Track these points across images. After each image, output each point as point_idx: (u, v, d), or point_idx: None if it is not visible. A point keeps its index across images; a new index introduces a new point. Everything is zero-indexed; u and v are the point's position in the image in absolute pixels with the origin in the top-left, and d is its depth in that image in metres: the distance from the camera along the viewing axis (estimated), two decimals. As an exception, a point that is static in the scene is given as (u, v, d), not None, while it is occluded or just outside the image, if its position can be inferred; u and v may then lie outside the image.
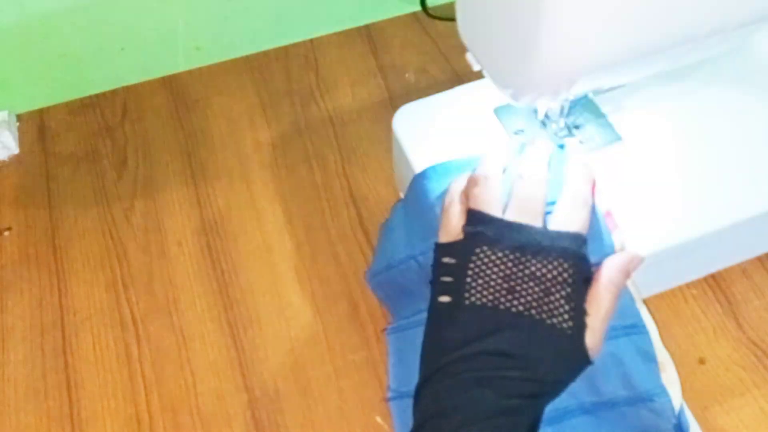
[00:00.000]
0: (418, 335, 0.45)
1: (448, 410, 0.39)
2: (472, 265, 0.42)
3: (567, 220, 0.43)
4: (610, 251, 0.45)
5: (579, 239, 0.42)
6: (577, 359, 0.41)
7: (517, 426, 0.39)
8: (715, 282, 0.55)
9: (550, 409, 0.42)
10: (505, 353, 0.39)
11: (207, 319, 0.56)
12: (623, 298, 0.44)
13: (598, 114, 0.52)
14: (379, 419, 0.51)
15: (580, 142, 0.51)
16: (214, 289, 0.58)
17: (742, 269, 0.56)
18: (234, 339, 0.55)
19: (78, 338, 0.56)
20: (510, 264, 0.41)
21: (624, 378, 0.44)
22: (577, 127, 0.52)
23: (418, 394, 0.41)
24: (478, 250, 0.42)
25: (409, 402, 0.47)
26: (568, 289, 0.41)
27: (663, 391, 0.43)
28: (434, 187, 0.48)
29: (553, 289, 0.41)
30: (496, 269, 0.41)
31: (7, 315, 0.57)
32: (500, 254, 0.41)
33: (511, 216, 0.43)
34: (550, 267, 0.41)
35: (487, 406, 0.38)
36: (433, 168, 0.50)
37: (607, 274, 0.43)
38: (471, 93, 0.55)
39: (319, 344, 0.54)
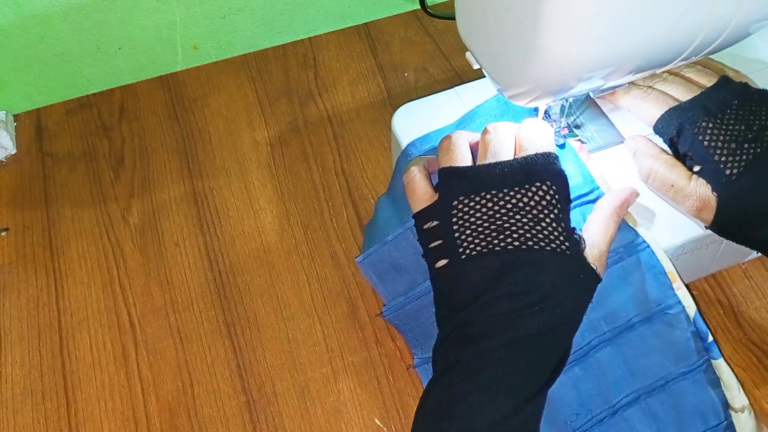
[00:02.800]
0: (419, 308, 0.47)
1: (467, 357, 0.38)
2: (455, 219, 0.41)
3: (531, 143, 0.43)
4: (595, 184, 0.46)
5: (550, 156, 0.42)
6: (585, 276, 0.40)
7: (540, 364, 0.39)
8: (716, 282, 0.55)
9: (575, 349, 0.43)
10: (515, 293, 0.39)
11: (204, 320, 0.56)
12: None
13: (599, 114, 0.52)
14: (377, 421, 0.51)
15: (582, 141, 0.51)
16: (212, 289, 0.58)
17: (743, 270, 0.56)
18: (232, 340, 0.55)
19: (75, 339, 0.56)
20: (491, 204, 0.41)
21: (635, 298, 0.44)
22: (578, 126, 0.52)
23: (436, 352, 0.41)
24: (456, 203, 0.42)
25: None
26: (555, 211, 0.41)
27: (676, 302, 0.44)
28: None
29: (541, 215, 0.40)
30: (479, 214, 0.41)
31: (4, 316, 0.57)
32: (478, 198, 0.41)
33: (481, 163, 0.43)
34: (530, 194, 0.41)
35: (506, 348, 0.38)
36: (412, 144, 0.51)
37: (611, 204, 0.44)
38: (471, 92, 0.55)
39: (318, 345, 0.54)
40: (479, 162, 0.44)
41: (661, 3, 0.36)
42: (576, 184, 0.46)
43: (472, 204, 0.41)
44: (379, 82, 0.70)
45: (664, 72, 0.49)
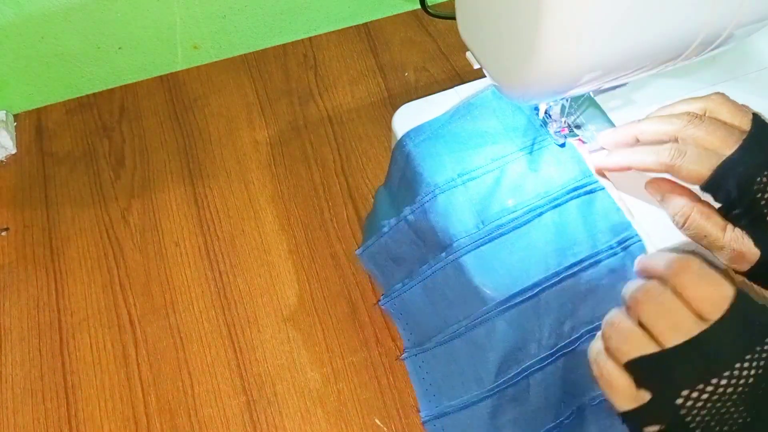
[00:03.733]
0: (414, 296, 0.49)
1: None
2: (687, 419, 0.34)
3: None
4: (592, 178, 0.48)
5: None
6: None
7: None
8: (717, 282, 0.55)
9: (564, 341, 0.45)
10: None
11: (204, 320, 0.56)
12: (617, 215, 0.46)
13: (600, 113, 0.52)
14: (377, 421, 0.51)
15: (582, 141, 0.50)
16: (212, 289, 0.57)
17: (744, 269, 0.55)
18: (232, 340, 0.55)
19: (75, 339, 0.56)
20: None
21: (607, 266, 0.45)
22: (578, 126, 0.51)
23: None
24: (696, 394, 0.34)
25: (424, 356, 0.49)
26: None
27: (632, 233, 0.45)
28: (414, 151, 0.50)
29: None
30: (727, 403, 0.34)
31: (5, 316, 0.57)
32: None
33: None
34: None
35: None
36: (407, 135, 0.51)
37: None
38: (471, 92, 0.55)
39: (318, 345, 0.54)
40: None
41: (661, 5, 0.36)
42: (573, 177, 0.47)
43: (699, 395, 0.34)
44: (379, 81, 0.70)
45: (673, 105, 0.46)
